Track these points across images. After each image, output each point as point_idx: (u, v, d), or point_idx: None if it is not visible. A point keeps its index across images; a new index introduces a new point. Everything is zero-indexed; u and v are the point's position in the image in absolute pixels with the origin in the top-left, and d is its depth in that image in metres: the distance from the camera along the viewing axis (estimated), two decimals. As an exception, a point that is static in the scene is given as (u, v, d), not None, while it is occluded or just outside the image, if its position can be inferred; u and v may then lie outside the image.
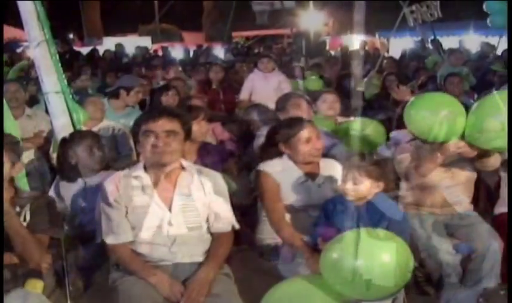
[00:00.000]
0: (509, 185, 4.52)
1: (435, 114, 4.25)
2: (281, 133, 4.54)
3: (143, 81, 7.89)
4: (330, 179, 4.51)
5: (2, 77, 6.26)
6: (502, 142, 4.05)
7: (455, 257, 4.58)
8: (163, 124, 3.77)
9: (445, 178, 4.79)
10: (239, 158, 5.70)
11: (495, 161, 4.60)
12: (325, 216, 4.17)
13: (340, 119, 6.58)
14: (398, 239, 3.51)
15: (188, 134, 3.95)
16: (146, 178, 3.87)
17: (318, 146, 4.53)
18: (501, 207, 4.99)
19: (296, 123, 4.58)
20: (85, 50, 21.25)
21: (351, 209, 4.04)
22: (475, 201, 5.03)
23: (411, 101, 4.52)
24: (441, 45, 15.83)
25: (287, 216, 4.42)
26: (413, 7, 11.20)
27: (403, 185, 4.92)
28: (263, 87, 9.60)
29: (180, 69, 12.56)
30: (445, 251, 4.55)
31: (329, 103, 6.51)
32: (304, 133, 4.46)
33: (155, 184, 3.87)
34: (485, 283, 4.43)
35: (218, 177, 4.10)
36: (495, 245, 4.53)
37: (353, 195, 4.00)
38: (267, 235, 4.49)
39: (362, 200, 4.04)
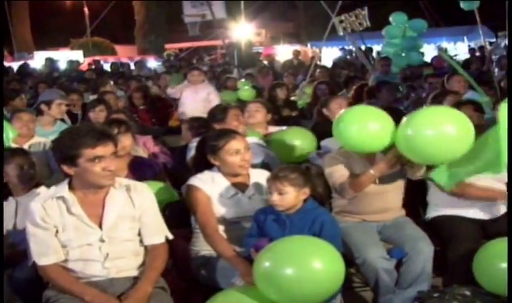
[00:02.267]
0: (509, 185, 4.54)
1: (363, 128, 4.29)
2: (210, 145, 4.51)
3: (62, 93, 7.73)
4: (261, 190, 4.51)
5: (2, 77, 6.11)
6: (434, 155, 4.09)
7: (389, 262, 4.62)
8: (110, 148, 3.74)
9: (377, 186, 4.82)
10: (172, 171, 5.68)
11: (423, 170, 4.73)
12: (257, 226, 4.17)
13: (272, 129, 6.64)
14: (328, 245, 3.57)
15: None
16: (73, 198, 3.80)
17: (247, 157, 4.51)
18: (432, 212, 5.10)
19: (225, 135, 4.56)
20: (15, 65, 20.86)
21: (282, 218, 4.07)
22: (408, 205, 5.08)
23: (340, 115, 4.52)
24: (371, 53, 16.14)
25: (221, 228, 4.40)
26: (342, 17, 11.36)
27: (335, 193, 4.96)
28: (193, 98, 9.72)
29: (112, 82, 12.46)
30: (380, 256, 4.58)
31: (251, 112, 6.56)
32: (233, 145, 4.44)
33: (83, 202, 3.81)
34: (418, 286, 4.48)
35: (146, 189, 4.08)
36: (426, 249, 4.62)
37: (280, 205, 4.02)
38: (202, 247, 4.47)
39: (292, 208, 4.06)
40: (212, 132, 4.85)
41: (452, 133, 3.92)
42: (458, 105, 5.27)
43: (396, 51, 12.95)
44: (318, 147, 5.99)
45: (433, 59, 16.54)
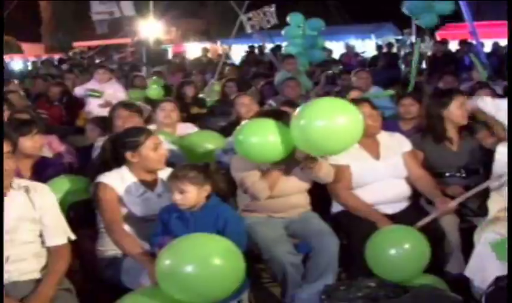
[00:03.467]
0: (509, 185, 4.58)
1: (263, 139, 4.34)
2: (129, 141, 4.48)
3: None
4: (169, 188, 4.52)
5: (3, 78, 5.88)
6: (325, 145, 4.15)
7: (296, 256, 4.70)
8: (5, 146, 3.67)
9: (291, 187, 4.93)
10: (78, 171, 5.59)
11: (326, 171, 4.83)
12: (162, 225, 4.17)
13: (180, 126, 6.63)
14: (228, 242, 3.62)
15: (14, 151, 3.83)
16: None
17: (164, 152, 4.58)
18: (338, 206, 5.18)
19: (144, 130, 4.60)
20: None
21: (186, 215, 4.10)
22: (315, 200, 5.17)
23: (241, 126, 4.57)
24: (280, 51, 16.27)
25: (130, 227, 4.39)
26: (250, 14, 11.44)
27: (241, 190, 5.01)
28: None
29: (16, 81, 12.14)
30: (287, 251, 4.66)
31: (167, 111, 6.54)
32: (153, 140, 4.47)
33: None
34: (325, 279, 4.57)
35: (46, 190, 4.03)
36: (331, 243, 4.74)
37: (183, 204, 4.06)
38: (108, 246, 4.43)
39: (195, 206, 4.10)
40: (127, 130, 4.78)
41: (342, 123, 4.00)
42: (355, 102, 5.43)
43: (298, 50, 13.09)
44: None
45: (342, 55, 16.88)
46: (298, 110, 4.25)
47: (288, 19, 12.95)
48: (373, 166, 5.09)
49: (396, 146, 5.26)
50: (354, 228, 4.89)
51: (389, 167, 5.11)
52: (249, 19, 11.37)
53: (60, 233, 3.98)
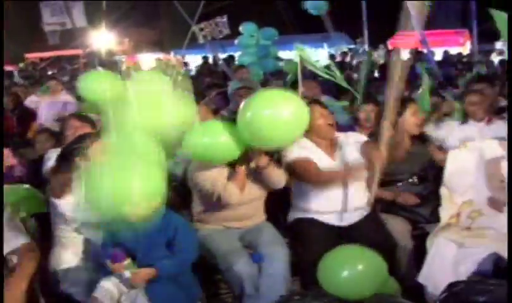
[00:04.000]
0: (509, 185, 4.62)
1: (214, 139, 4.36)
2: (76, 148, 4.43)
3: None
4: None
5: (3, 78, 5.79)
6: (275, 138, 4.16)
7: (253, 267, 4.68)
8: None
9: (251, 193, 4.90)
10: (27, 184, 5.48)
11: (279, 174, 4.82)
12: (111, 235, 4.16)
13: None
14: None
15: None
16: None
17: None
18: (292, 215, 5.18)
19: (89, 136, 4.58)
20: None
21: (136, 226, 4.00)
22: (269, 209, 5.17)
23: (192, 130, 4.48)
24: (233, 61, 16.27)
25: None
26: (202, 25, 11.41)
27: (196, 201, 4.98)
28: (50, 109, 9.62)
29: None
30: (244, 263, 4.64)
31: None
32: (99, 144, 4.42)
33: None
34: (278, 289, 4.54)
35: None
36: (281, 253, 4.74)
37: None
38: (61, 260, 4.43)
39: (144, 216, 4.05)
40: (76, 138, 4.73)
41: (287, 113, 4.02)
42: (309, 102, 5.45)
43: (251, 60, 13.06)
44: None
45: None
46: (243, 102, 4.26)
47: (241, 28, 12.95)
48: (329, 166, 5.06)
49: (352, 143, 5.22)
50: (308, 237, 4.88)
51: (345, 168, 5.07)
52: (202, 29, 11.33)
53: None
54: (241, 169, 4.68)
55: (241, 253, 4.73)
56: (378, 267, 4.05)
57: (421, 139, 5.55)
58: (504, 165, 4.88)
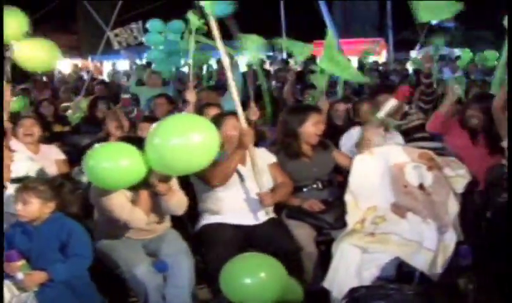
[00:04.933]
0: (509, 185, 4.64)
1: (114, 164, 4.00)
2: None
3: None
4: None
5: (3, 78, 5.65)
6: (183, 166, 4.00)
7: (157, 276, 4.65)
8: None
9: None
10: None
11: (178, 200, 4.73)
12: (7, 239, 4.15)
13: (43, 147, 6.41)
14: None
15: None
16: None
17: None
18: (199, 222, 5.18)
19: None
20: None
21: (29, 229, 4.14)
22: (175, 217, 5.09)
23: (90, 153, 4.10)
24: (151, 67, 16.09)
25: None
26: (117, 31, 11.24)
27: (97, 213, 4.88)
28: None
29: None
30: (147, 271, 4.58)
31: (26, 127, 6.28)
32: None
33: None
34: (183, 298, 4.58)
35: None
36: (186, 261, 4.73)
37: (24, 215, 4.11)
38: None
39: (37, 220, 4.15)
40: None
41: (196, 141, 3.83)
42: (222, 115, 5.45)
43: (161, 57, 12.63)
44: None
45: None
46: (152, 128, 4.18)
47: (148, 25, 12.68)
48: (239, 171, 5.12)
49: (262, 157, 5.29)
50: (213, 242, 4.87)
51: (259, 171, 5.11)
52: (117, 35, 11.16)
53: None
54: (145, 193, 4.56)
55: (144, 261, 4.67)
56: (279, 275, 4.07)
57: (324, 145, 5.59)
58: (408, 170, 5.00)
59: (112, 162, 3.98)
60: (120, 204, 4.51)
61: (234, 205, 5.11)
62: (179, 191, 4.78)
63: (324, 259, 4.96)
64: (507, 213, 4.52)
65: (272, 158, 5.37)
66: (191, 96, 6.55)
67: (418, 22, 8.05)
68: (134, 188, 4.45)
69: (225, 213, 5.10)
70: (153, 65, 13.51)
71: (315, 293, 4.69)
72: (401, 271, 4.76)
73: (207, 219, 5.15)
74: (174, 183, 4.71)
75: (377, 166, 5.16)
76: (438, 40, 9.39)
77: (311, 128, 5.42)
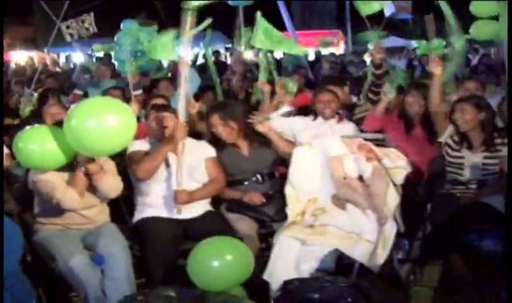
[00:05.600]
0: (509, 184, 4.53)
1: (42, 146, 4.20)
2: None
3: None
4: None
5: (3, 78, 5.46)
6: (99, 147, 4.08)
7: (93, 269, 4.57)
8: None
9: (92, 198, 4.77)
10: None
11: (109, 184, 4.72)
12: None
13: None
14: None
15: None
16: None
17: None
18: (137, 215, 5.14)
19: None
20: None
21: None
22: (114, 209, 5.09)
23: (20, 134, 4.35)
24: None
25: None
26: (68, 23, 11.05)
27: (36, 202, 4.83)
28: None
29: None
30: (82, 264, 4.50)
31: None
32: None
33: None
34: (122, 291, 4.42)
35: None
36: (122, 254, 4.64)
37: None
38: None
39: None
40: None
41: (112, 123, 3.92)
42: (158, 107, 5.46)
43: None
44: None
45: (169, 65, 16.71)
46: (69, 110, 4.19)
47: (122, 25, 12.50)
48: (168, 162, 5.07)
49: (200, 150, 5.26)
50: (152, 236, 4.81)
51: (187, 168, 5.07)
52: (68, 27, 10.97)
53: None
54: (79, 174, 4.55)
55: (81, 254, 4.59)
56: (246, 257, 4.27)
57: (264, 137, 5.54)
58: (348, 161, 4.99)
59: (38, 144, 4.21)
60: (53, 183, 4.54)
61: (168, 198, 5.05)
62: (113, 174, 4.78)
63: (268, 251, 4.92)
64: (507, 212, 4.50)
65: (211, 152, 5.32)
66: None
67: (367, 14, 8.12)
68: (70, 169, 4.53)
69: (160, 206, 5.05)
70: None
71: (258, 285, 4.63)
72: (341, 263, 4.75)
73: (143, 213, 5.10)
74: (110, 166, 4.78)
75: (317, 158, 5.13)
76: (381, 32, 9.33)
77: (214, 128, 5.44)
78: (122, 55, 12.67)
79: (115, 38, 12.63)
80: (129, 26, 12.98)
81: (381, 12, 9.43)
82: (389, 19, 16.70)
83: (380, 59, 6.65)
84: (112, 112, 3.96)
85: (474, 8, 8.02)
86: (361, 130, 6.11)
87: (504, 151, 5.19)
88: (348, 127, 6.01)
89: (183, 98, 5.07)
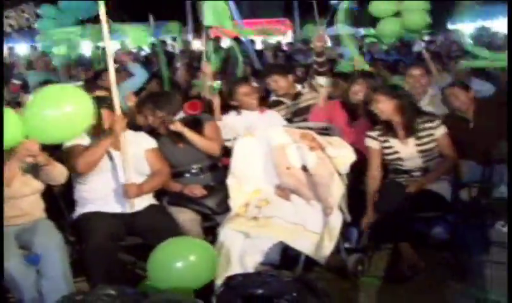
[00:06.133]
0: (509, 185, 4.53)
1: None
2: None
3: None
4: None
5: (3, 78, 5.28)
6: (57, 134, 4.11)
7: (27, 269, 4.38)
8: None
9: (23, 187, 4.61)
10: None
11: (60, 170, 4.57)
12: None
13: None
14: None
15: None
16: None
17: None
18: (75, 211, 4.97)
19: None
20: None
21: None
22: (52, 207, 4.91)
23: None
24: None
25: None
26: (7, 12, 10.76)
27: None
28: None
29: None
30: (15, 264, 4.31)
31: None
32: None
33: None
34: (60, 291, 4.23)
35: None
36: (56, 253, 4.46)
37: None
38: None
39: None
40: None
41: (69, 110, 4.01)
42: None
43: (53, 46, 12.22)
44: None
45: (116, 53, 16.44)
46: (30, 98, 4.28)
47: (40, 11, 12.17)
48: (110, 155, 4.90)
49: (140, 142, 5.11)
50: (90, 233, 4.61)
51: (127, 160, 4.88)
52: (7, 17, 10.69)
53: None
54: (9, 163, 4.35)
55: (15, 255, 4.40)
56: (209, 257, 4.13)
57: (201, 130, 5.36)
58: (290, 151, 4.87)
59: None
60: None
61: (109, 193, 4.90)
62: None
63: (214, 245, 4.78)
64: (508, 213, 4.38)
65: (152, 144, 5.17)
66: None
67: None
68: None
69: (101, 201, 4.89)
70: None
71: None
72: (286, 256, 4.65)
73: (83, 208, 4.93)
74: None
75: (259, 148, 5.03)
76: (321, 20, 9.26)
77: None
78: (46, 42, 12.34)
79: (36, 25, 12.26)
80: (48, 10, 12.65)
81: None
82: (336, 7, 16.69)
83: (321, 47, 6.47)
84: (69, 100, 4.05)
85: (372, 8, 7.97)
86: (305, 120, 6.03)
87: (438, 134, 5.28)
88: (271, 118, 5.98)
89: (115, 90, 4.87)
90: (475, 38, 14.89)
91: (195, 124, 5.34)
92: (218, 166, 5.39)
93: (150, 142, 5.18)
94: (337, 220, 4.70)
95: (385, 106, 5.24)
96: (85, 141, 4.91)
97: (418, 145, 5.30)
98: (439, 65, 9.61)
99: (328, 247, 4.58)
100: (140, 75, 7.94)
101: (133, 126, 5.46)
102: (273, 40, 17.60)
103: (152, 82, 8.22)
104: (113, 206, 4.88)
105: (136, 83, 7.87)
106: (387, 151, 5.38)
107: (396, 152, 5.34)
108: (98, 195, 4.90)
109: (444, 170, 5.28)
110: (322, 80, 6.08)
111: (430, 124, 5.32)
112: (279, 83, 6.42)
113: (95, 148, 4.81)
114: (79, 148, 4.86)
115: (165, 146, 5.27)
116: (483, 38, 16.87)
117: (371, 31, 19.57)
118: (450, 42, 15.91)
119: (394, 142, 5.33)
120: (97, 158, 4.81)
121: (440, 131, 5.31)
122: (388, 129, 5.32)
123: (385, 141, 5.37)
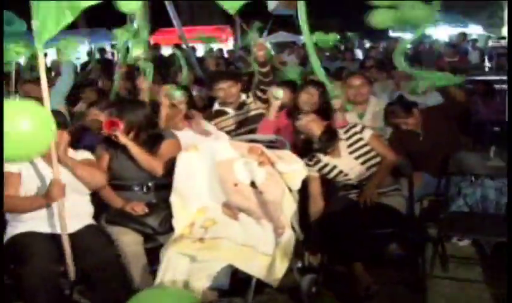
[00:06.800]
0: (509, 186, 4.38)
1: None
2: None
3: None
4: None
5: (3, 78, 4.81)
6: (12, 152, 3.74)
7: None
8: None
9: None
10: None
11: None
12: None
13: None
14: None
15: None
16: None
17: None
18: (9, 231, 4.56)
19: None
20: None
21: None
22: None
23: None
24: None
25: None
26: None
27: None
28: None
29: None
30: None
31: None
32: None
33: None
34: None
35: None
36: None
37: None
38: None
39: None
40: None
41: (26, 128, 3.71)
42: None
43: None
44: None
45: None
46: None
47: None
48: (47, 174, 4.49)
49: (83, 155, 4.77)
50: (28, 255, 4.22)
51: (69, 179, 4.49)
52: None
53: None
54: None
55: None
56: None
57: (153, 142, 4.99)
58: (238, 166, 4.55)
59: None
60: None
61: (41, 212, 4.49)
62: None
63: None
64: (508, 213, 4.29)
65: (87, 155, 4.81)
66: None
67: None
68: None
69: (33, 221, 4.49)
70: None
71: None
72: (237, 279, 4.31)
73: (14, 229, 4.54)
74: None
75: (204, 163, 4.65)
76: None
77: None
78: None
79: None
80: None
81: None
82: (277, 15, 16.47)
83: (263, 56, 5.92)
84: (26, 118, 3.75)
85: None
86: (251, 131, 5.71)
87: (366, 136, 5.20)
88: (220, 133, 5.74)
89: (47, 98, 4.42)
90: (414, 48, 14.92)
91: (157, 140, 4.99)
92: (168, 183, 4.88)
93: (86, 155, 4.81)
94: (289, 240, 4.39)
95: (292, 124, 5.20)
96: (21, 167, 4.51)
97: (352, 152, 5.16)
98: (383, 73, 9.52)
99: (280, 269, 4.25)
100: (66, 72, 7.59)
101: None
102: (214, 47, 17.26)
103: (86, 90, 7.88)
104: (47, 227, 4.51)
105: (65, 79, 7.53)
106: (324, 170, 5.21)
107: (334, 167, 5.17)
108: (32, 214, 4.49)
109: (385, 170, 5.14)
110: (278, 93, 5.72)
111: (354, 129, 5.24)
112: (231, 90, 6.07)
113: (27, 204, 4.47)
114: (12, 179, 4.48)
115: (118, 155, 4.90)
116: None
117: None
118: (392, 50, 15.90)
119: (325, 158, 5.18)
120: (25, 210, 4.48)
121: (368, 133, 5.21)
122: (310, 148, 5.14)
123: (317, 163, 5.20)
